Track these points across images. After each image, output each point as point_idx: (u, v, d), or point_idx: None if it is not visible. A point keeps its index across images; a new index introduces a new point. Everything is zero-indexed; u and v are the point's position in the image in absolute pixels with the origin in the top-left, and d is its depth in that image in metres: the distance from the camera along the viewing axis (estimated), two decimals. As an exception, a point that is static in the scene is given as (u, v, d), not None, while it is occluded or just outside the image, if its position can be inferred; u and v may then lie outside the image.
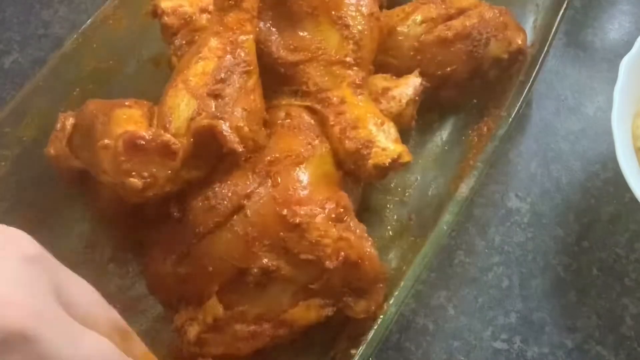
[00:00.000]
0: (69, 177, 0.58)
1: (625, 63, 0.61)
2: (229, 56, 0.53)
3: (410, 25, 0.64)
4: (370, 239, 0.52)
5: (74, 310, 0.39)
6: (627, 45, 0.62)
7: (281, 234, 0.50)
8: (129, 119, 0.51)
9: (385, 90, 0.60)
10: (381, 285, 0.52)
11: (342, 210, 0.51)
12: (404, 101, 0.60)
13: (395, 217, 0.63)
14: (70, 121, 0.56)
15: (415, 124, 0.62)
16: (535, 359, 0.60)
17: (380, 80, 0.61)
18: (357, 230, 0.51)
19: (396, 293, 0.52)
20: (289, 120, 0.56)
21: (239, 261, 0.50)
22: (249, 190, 0.51)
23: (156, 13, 0.61)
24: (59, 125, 0.56)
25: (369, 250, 0.51)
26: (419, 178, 0.65)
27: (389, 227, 0.62)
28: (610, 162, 0.69)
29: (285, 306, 0.51)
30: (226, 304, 0.51)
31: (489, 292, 0.63)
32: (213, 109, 0.50)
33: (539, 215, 0.67)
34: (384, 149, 0.54)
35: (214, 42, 0.53)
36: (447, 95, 0.66)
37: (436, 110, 0.68)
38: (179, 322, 0.53)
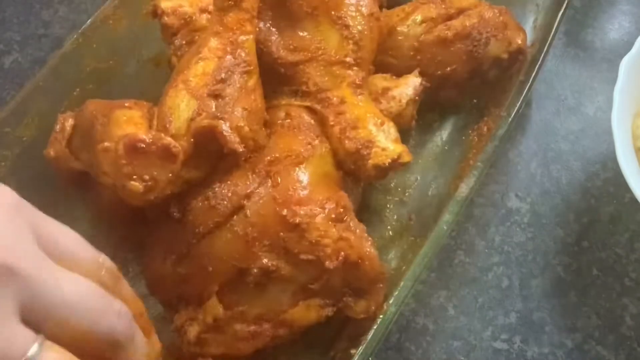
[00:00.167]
0: (69, 178, 0.58)
1: (625, 63, 0.61)
2: (229, 56, 0.53)
3: (410, 25, 0.64)
4: (370, 239, 0.52)
5: (56, 253, 0.39)
6: (627, 45, 0.62)
7: (281, 234, 0.50)
8: (128, 121, 0.51)
9: (385, 90, 0.60)
10: (381, 285, 0.52)
11: (342, 210, 0.51)
12: (404, 101, 0.60)
13: (395, 217, 0.63)
14: (69, 122, 0.56)
15: (415, 124, 0.62)
16: (535, 359, 0.60)
17: (380, 80, 0.61)
18: (357, 230, 0.51)
19: (396, 293, 0.52)
20: (288, 120, 0.56)
21: (239, 261, 0.50)
22: (248, 191, 0.51)
23: (156, 13, 0.61)
24: (58, 127, 0.56)
25: (369, 250, 0.51)
26: (419, 178, 0.65)
27: (389, 227, 0.63)
28: (610, 162, 0.69)
29: (285, 306, 0.51)
30: (226, 304, 0.51)
31: (489, 292, 0.63)
32: (213, 109, 0.50)
33: (539, 215, 0.67)
34: (383, 149, 0.54)
35: (214, 42, 0.53)
36: (447, 95, 0.66)
37: (436, 110, 0.68)
38: (179, 322, 0.53)
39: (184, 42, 0.59)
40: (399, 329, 0.62)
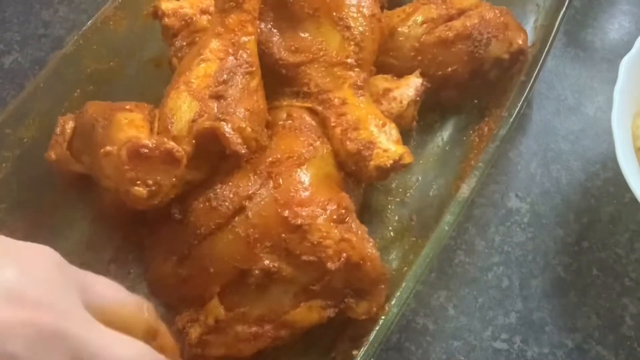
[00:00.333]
0: (70, 180, 0.58)
1: (625, 63, 0.61)
2: (231, 57, 0.53)
3: (411, 25, 0.64)
4: (371, 240, 0.52)
5: (104, 306, 0.40)
6: (627, 45, 0.62)
7: (283, 235, 0.50)
8: (130, 123, 0.51)
9: (386, 91, 0.60)
10: (383, 286, 0.52)
11: (343, 211, 0.51)
12: (405, 102, 0.60)
13: (396, 217, 0.63)
14: (70, 124, 0.56)
15: (416, 124, 0.62)
16: (535, 359, 0.60)
17: (381, 81, 0.61)
18: (359, 232, 0.51)
19: (397, 294, 0.52)
20: (290, 122, 0.56)
21: (241, 262, 0.50)
22: (250, 192, 0.51)
23: (157, 14, 0.61)
24: (58, 129, 0.56)
25: (370, 251, 0.51)
26: (420, 178, 0.65)
27: (390, 228, 0.63)
28: (610, 162, 0.69)
29: (286, 307, 0.51)
30: (227, 305, 0.51)
31: (489, 292, 0.63)
32: (215, 111, 0.50)
33: (539, 215, 0.67)
34: (385, 150, 0.54)
35: (215, 43, 0.53)
36: (448, 95, 0.66)
37: (437, 111, 0.68)
38: (181, 323, 0.53)
39: (184, 43, 0.59)
40: (399, 329, 0.62)
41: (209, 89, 0.51)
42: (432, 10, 0.65)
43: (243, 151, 0.51)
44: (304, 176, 0.52)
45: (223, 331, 0.52)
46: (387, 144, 0.54)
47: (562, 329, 0.61)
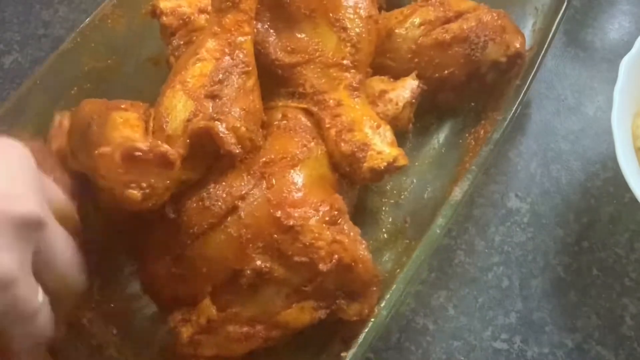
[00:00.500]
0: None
1: (625, 63, 0.61)
2: (227, 57, 0.53)
3: (409, 27, 0.64)
4: (364, 242, 0.52)
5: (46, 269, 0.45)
6: (627, 45, 0.62)
7: (275, 236, 0.50)
8: (125, 123, 0.50)
9: (382, 92, 0.60)
10: (375, 288, 0.52)
11: (336, 212, 0.51)
12: (400, 104, 0.60)
13: (390, 219, 0.63)
14: (66, 120, 0.56)
15: (412, 126, 0.62)
16: (535, 359, 0.60)
17: (378, 83, 0.61)
18: (351, 233, 0.51)
19: (387, 297, 0.52)
20: (285, 122, 0.55)
21: (233, 262, 0.50)
22: (243, 192, 0.51)
23: (155, 13, 0.61)
24: (56, 123, 0.56)
25: (362, 253, 0.51)
26: (415, 181, 0.65)
27: (383, 230, 0.63)
28: (610, 162, 0.69)
29: (278, 308, 0.51)
30: (220, 306, 0.51)
31: (489, 292, 0.63)
32: (210, 111, 0.50)
33: (539, 215, 0.67)
34: (379, 153, 0.54)
35: (211, 43, 0.53)
36: (445, 98, 0.66)
37: (434, 113, 0.68)
38: (173, 323, 0.53)
39: (181, 42, 0.59)
40: (399, 329, 0.62)
41: (205, 88, 0.51)
42: (429, 12, 0.65)
43: (237, 151, 0.50)
44: (297, 177, 0.52)
45: (215, 331, 0.51)
46: (381, 146, 0.54)
47: (562, 329, 0.61)
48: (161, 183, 0.48)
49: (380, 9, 0.64)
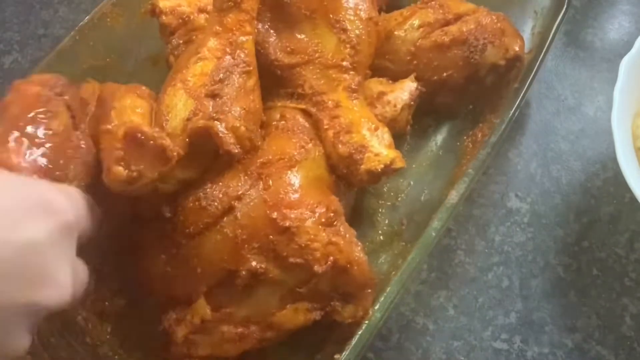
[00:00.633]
0: None
1: (625, 63, 0.61)
2: (228, 57, 0.53)
3: (408, 29, 0.64)
4: (359, 244, 0.52)
5: None
6: (627, 45, 0.62)
7: (271, 236, 0.50)
8: (135, 108, 0.51)
9: (381, 94, 0.60)
10: (370, 290, 0.51)
11: (332, 214, 0.51)
12: (399, 106, 0.60)
13: (387, 221, 0.63)
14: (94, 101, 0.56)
15: (410, 128, 0.62)
16: (535, 359, 0.60)
17: (376, 84, 0.61)
18: (347, 235, 0.51)
19: (382, 299, 0.52)
20: (283, 122, 0.55)
21: (228, 263, 0.50)
22: (240, 192, 0.51)
23: (154, 12, 0.61)
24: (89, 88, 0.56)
25: (357, 255, 0.51)
26: (412, 183, 0.65)
27: (380, 232, 0.63)
28: (610, 162, 0.69)
29: (273, 309, 0.51)
30: (214, 306, 0.51)
31: (489, 292, 0.63)
32: (210, 110, 0.50)
33: (539, 215, 0.67)
34: (376, 154, 0.54)
35: (213, 42, 0.53)
36: (443, 100, 0.66)
37: (432, 116, 0.68)
38: (167, 322, 0.53)
39: (181, 41, 0.59)
40: (399, 329, 0.62)
41: (205, 87, 0.51)
42: (429, 14, 0.65)
43: (236, 151, 0.50)
44: (294, 178, 0.52)
45: (209, 331, 0.51)
46: (378, 147, 0.54)
47: (562, 329, 0.61)
48: (150, 173, 0.48)
49: (379, 10, 0.64)
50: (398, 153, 0.54)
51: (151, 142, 0.47)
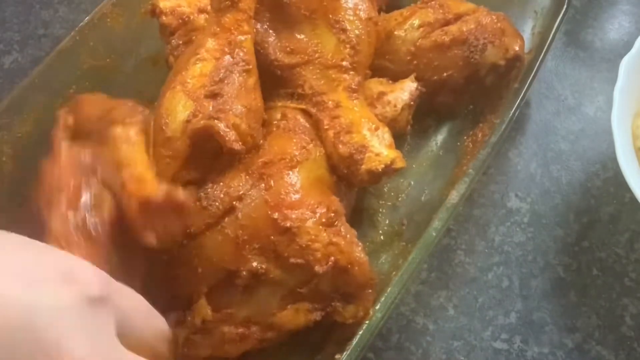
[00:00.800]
0: None
1: (625, 63, 0.61)
2: (227, 56, 0.53)
3: (408, 29, 0.64)
4: (360, 244, 0.52)
5: (133, 336, 0.41)
6: (627, 45, 0.62)
7: (271, 237, 0.50)
8: (127, 141, 0.50)
9: (381, 94, 0.60)
10: (370, 291, 0.51)
11: (333, 214, 0.51)
12: (399, 106, 0.60)
13: (387, 221, 0.63)
14: (70, 119, 0.56)
15: (410, 128, 0.62)
16: (535, 359, 0.60)
17: (376, 85, 0.61)
18: (348, 236, 0.51)
19: (382, 299, 0.52)
20: (284, 122, 0.55)
21: (229, 263, 0.50)
22: (241, 192, 0.51)
23: (155, 12, 0.61)
24: (61, 122, 0.56)
25: (358, 255, 0.51)
26: (412, 183, 0.65)
27: (380, 232, 0.63)
28: (610, 162, 0.69)
29: (273, 309, 0.51)
30: (215, 306, 0.51)
31: (489, 292, 0.63)
32: (210, 110, 0.50)
33: (539, 215, 0.67)
34: (377, 155, 0.53)
35: (211, 43, 0.53)
36: (443, 100, 0.66)
37: (432, 116, 0.68)
38: (168, 323, 0.53)
39: (181, 42, 0.59)
40: (399, 329, 0.62)
41: (205, 88, 0.51)
42: (429, 14, 0.65)
43: (238, 147, 0.50)
44: (295, 179, 0.52)
45: (209, 332, 0.51)
46: (379, 147, 0.54)
47: (562, 329, 0.61)
48: (177, 226, 0.49)
49: (379, 10, 0.64)
50: (399, 153, 0.54)
51: (166, 203, 0.47)
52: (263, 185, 0.51)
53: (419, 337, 0.61)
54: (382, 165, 0.53)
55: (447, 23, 0.64)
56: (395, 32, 0.64)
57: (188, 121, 0.50)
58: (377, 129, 0.55)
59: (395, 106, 0.60)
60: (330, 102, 0.56)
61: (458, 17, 0.64)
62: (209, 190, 0.51)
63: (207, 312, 0.51)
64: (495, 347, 0.61)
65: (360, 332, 0.51)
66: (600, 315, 0.62)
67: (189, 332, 0.51)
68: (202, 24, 0.59)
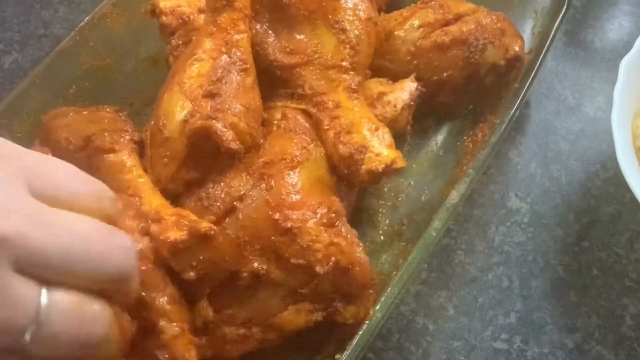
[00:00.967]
0: None
1: (625, 63, 0.61)
2: (224, 56, 0.53)
3: (408, 29, 0.64)
4: (361, 244, 0.52)
5: (52, 194, 0.39)
6: (627, 45, 0.62)
7: (272, 238, 0.50)
8: (121, 168, 0.51)
9: (381, 94, 0.60)
10: (371, 291, 0.51)
11: (333, 215, 0.51)
12: (399, 106, 0.60)
13: (387, 221, 0.63)
14: (47, 153, 0.55)
15: (410, 128, 0.62)
16: (535, 359, 0.60)
17: (376, 85, 0.61)
18: (349, 236, 0.51)
19: (382, 299, 0.52)
20: (284, 122, 0.55)
21: (230, 264, 0.50)
22: (242, 192, 0.51)
23: (155, 12, 0.61)
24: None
25: (359, 255, 0.51)
26: (412, 183, 0.65)
27: (380, 232, 0.62)
28: (610, 162, 0.69)
29: (275, 310, 0.51)
30: (216, 307, 0.51)
31: (489, 292, 0.63)
32: (208, 110, 0.50)
33: (539, 215, 0.67)
34: (377, 155, 0.53)
35: (208, 43, 0.53)
36: (443, 100, 0.66)
37: (432, 116, 0.68)
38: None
39: (181, 42, 0.59)
40: (399, 329, 0.62)
41: (202, 88, 0.51)
42: (429, 14, 0.65)
43: (236, 147, 0.50)
44: (296, 179, 0.52)
45: (211, 332, 0.51)
46: (379, 148, 0.54)
47: (562, 329, 0.61)
48: (208, 256, 0.49)
49: (379, 10, 0.64)
50: (399, 153, 0.54)
51: (193, 239, 0.47)
52: (264, 185, 0.51)
53: (419, 337, 0.61)
54: (383, 165, 0.53)
55: (447, 23, 0.64)
56: (395, 32, 0.64)
57: (186, 121, 0.50)
58: (377, 129, 0.55)
59: (395, 106, 0.60)
60: (330, 103, 0.56)
61: (458, 18, 0.64)
62: (210, 190, 0.51)
63: (208, 313, 0.51)
64: (495, 347, 0.61)
65: (360, 332, 0.51)
66: (600, 315, 0.62)
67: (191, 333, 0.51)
68: (202, 24, 0.59)
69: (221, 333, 0.51)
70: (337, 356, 0.50)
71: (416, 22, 0.64)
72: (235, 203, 0.51)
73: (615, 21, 0.79)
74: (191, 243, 0.47)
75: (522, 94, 0.60)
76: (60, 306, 0.37)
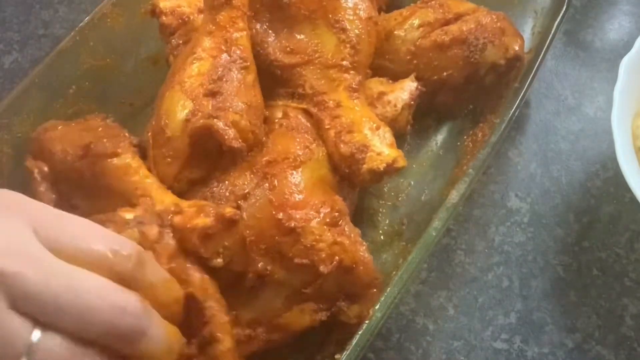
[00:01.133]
0: None
1: (625, 63, 0.61)
2: (224, 55, 0.53)
3: (408, 29, 0.64)
4: (364, 243, 0.52)
5: (58, 246, 0.39)
6: (627, 45, 0.62)
7: (276, 237, 0.50)
8: (128, 170, 0.50)
9: (381, 94, 0.60)
10: (375, 290, 0.51)
11: (336, 214, 0.51)
12: (399, 105, 0.60)
13: (387, 221, 0.63)
14: (44, 168, 0.55)
15: (410, 128, 0.62)
16: (535, 359, 0.60)
17: (376, 84, 0.61)
18: (352, 235, 0.51)
19: (382, 299, 0.52)
20: (286, 120, 0.55)
21: (236, 265, 0.50)
22: (246, 191, 0.51)
23: (155, 12, 0.61)
24: (36, 175, 0.55)
25: (363, 255, 0.51)
26: (412, 183, 0.65)
27: (381, 232, 0.63)
28: (610, 162, 0.69)
29: (279, 310, 0.51)
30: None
31: (489, 292, 0.63)
32: (209, 109, 0.50)
33: (539, 215, 0.67)
34: (378, 154, 0.54)
35: (207, 42, 0.53)
36: (443, 100, 0.66)
37: (432, 115, 0.68)
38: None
39: (180, 41, 0.59)
40: (399, 329, 0.61)
41: (203, 87, 0.51)
42: (429, 14, 0.65)
43: (238, 145, 0.50)
44: (299, 179, 0.52)
45: None
46: (380, 147, 0.54)
47: (562, 329, 0.61)
48: (232, 241, 0.48)
49: (379, 10, 0.64)
50: (400, 152, 0.54)
51: (219, 225, 0.47)
52: (267, 185, 0.51)
53: (419, 337, 0.61)
54: (384, 165, 0.53)
55: (447, 23, 0.64)
56: (395, 32, 0.64)
57: (187, 120, 0.50)
58: (378, 128, 0.55)
59: (395, 106, 0.60)
60: (330, 102, 0.56)
61: (458, 17, 0.64)
62: (215, 189, 0.52)
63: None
64: (495, 347, 0.61)
65: (360, 332, 0.51)
66: (600, 315, 0.62)
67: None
68: (201, 23, 0.59)
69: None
70: (337, 356, 0.50)
71: (416, 22, 0.64)
72: (239, 202, 0.51)
73: (615, 21, 0.79)
74: (217, 229, 0.47)
75: (522, 94, 0.60)
76: (49, 348, 0.37)
